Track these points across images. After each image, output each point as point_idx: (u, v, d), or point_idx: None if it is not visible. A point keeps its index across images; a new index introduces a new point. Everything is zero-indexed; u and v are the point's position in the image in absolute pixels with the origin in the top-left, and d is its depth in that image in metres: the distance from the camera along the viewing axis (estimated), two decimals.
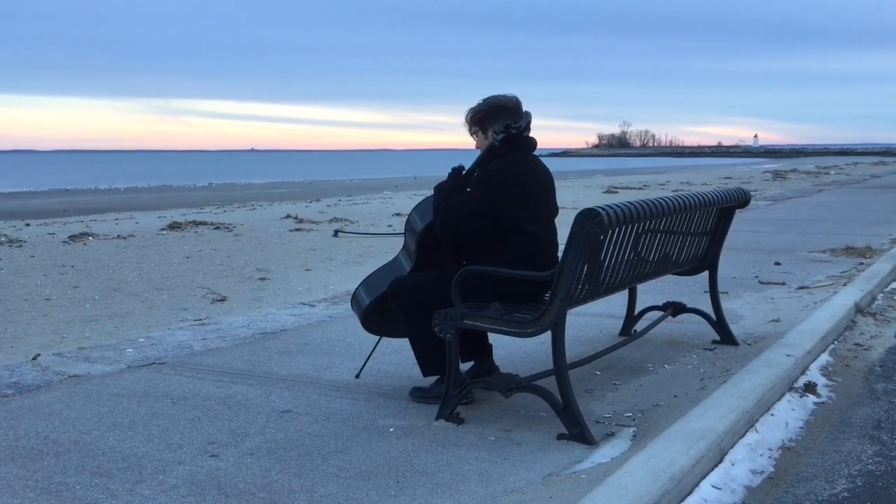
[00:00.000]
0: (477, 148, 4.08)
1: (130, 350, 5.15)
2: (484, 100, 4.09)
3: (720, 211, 5.01)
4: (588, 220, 3.44)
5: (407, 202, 19.62)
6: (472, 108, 4.09)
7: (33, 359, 4.93)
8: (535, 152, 4.08)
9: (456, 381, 3.74)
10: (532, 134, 4.04)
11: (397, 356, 4.72)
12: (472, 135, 4.11)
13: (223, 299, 7.20)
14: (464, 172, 4.00)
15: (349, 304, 4.59)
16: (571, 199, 18.02)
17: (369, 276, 4.27)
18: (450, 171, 4.04)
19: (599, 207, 3.51)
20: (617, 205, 3.67)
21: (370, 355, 4.50)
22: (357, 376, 4.42)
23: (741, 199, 5.08)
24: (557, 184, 4.28)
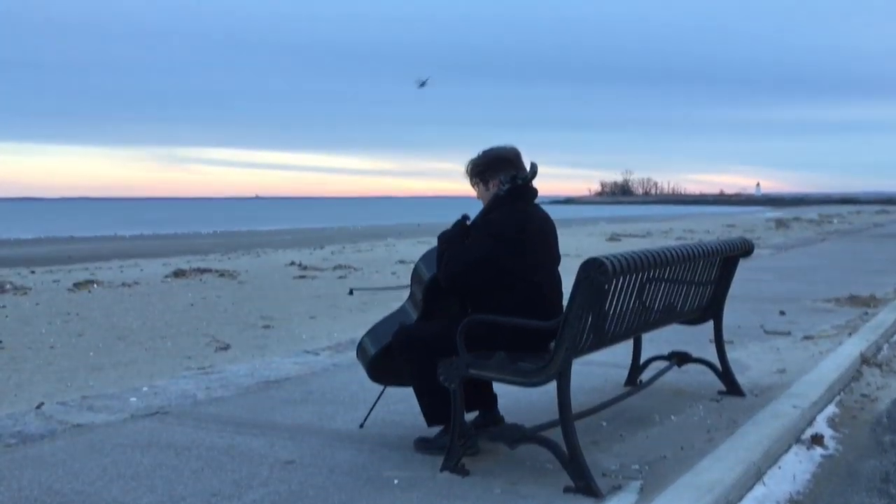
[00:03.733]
0: (479, 199, 4.13)
1: (134, 399, 5.14)
2: (483, 152, 4.15)
3: (724, 260, 5.02)
4: (592, 269, 3.46)
5: (411, 249, 19.68)
6: (472, 160, 4.15)
7: (37, 407, 4.92)
8: (538, 200, 4.12)
9: (461, 432, 3.72)
10: (535, 181, 4.08)
11: (401, 405, 4.71)
12: (473, 186, 4.16)
13: (227, 347, 7.19)
14: (468, 223, 4.04)
15: (353, 352, 4.59)
16: (575, 247, 18.06)
17: (375, 325, 4.28)
18: (455, 220, 4.08)
19: (603, 257, 3.53)
20: (621, 254, 3.69)
21: (374, 405, 4.48)
22: (361, 426, 4.40)
23: (745, 249, 5.10)
24: (560, 231, 4.30)
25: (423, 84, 10.85)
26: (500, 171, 4.01)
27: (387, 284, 11.86)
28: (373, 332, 4.23)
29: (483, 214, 4.00)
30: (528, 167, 4.04)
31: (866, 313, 8.39)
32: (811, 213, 54.64)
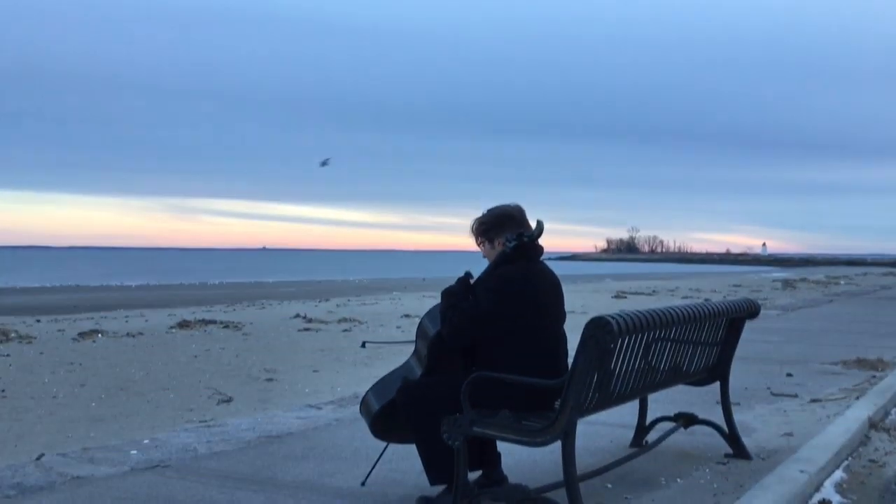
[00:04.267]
0: (485, 257, 4.15)
1: (134, 452, 5.10)
2: (489, 210, 4.18)
3: (730, 321, 5.01)
4: (598, 328, 3.45)
5: (416, 303, 19.66)
6: (477, 219, 4.18)
7: (37, 459, 4.88)
8: (544, 256, 4.14)
9: (464, 492, 3.67)
10: (541, 238, 4.10)
11: (404, 463, 4.66)
12: (478, 245, 4.19)
13: (229, 400, 7.15)
14: (472, 280, 4.05)
15: (356, 406, 4.56)
16: (580, 304, 18.01)
17: (379, 381, 4.26)
18: (459, 277, 4.10)
19: (609, 316, 3.53)
20: (627, 313, 3.69)
21: (377, 462, 4.43)
22: (363, 484, 4.35)
23: (751, 310, 5.09)
24: (566, 287, 4.30)
25: (324, 163, 11.04)
26: (505, 229, 4.03)
27: (392, 338, 11.82)
28: (377, 388, 4.22)
29: (488, 271, 4.01)
30: (533, 225, 4.07)
31: (874, 377, 8.31)
32: (818, 273, 54.53)
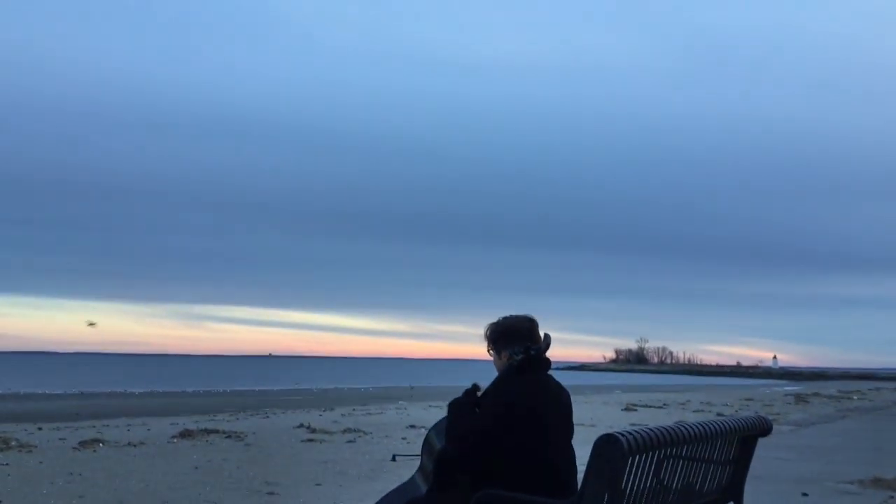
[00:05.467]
0: (494, 365, 4.12)
1: None
2: (499, 321, 4.17)
3: (742, 439, 4.91)
4: (608, 445, 3.39)
5: (422, 413, 19.37)
6: (490, 325, 4.17)
7: None
8: (553, 365, 4.10)
9: None
10: (549, 349, 4.08)
11: None
12: (488, 351, 4.17)
13: None
14: (479, 392, 4.01)
15: None
16: (590, 416, 17.73)
17: (382, 498, 4.16)
18: (466, 388, 4.06)
19: (619, 433, 3.47)
20: (637, 430, 3.62)
21: None
22: None
23: (763, 428, 4.99)
24: (575, 399, 4.24)
25: (91, 324, 11.13)
26: (512, 342, 4.02)
27: (396, 450, 11.59)
28: None
29: (495, 385, 3.98)
30: (542, 337, 4.05)
31: (892, 497, 8.08)
32: (830, 388, 53.74)
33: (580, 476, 3.55)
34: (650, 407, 25.13)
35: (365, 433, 14.48)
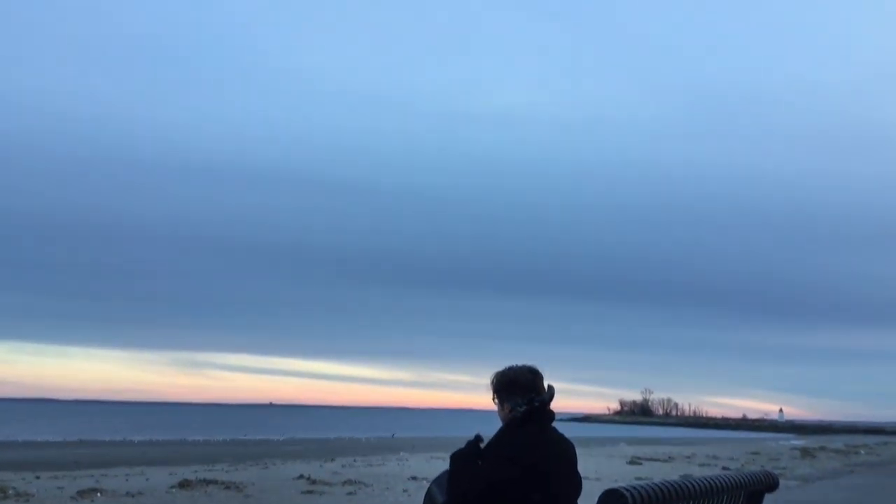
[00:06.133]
0: (499, 415, 4.08)
1: None
2: (503, 372, 4.13)
3: (749, 494, 4.83)
4: (613, 501, 3.34)
5: (424, 465, 19.14)
6: (496, 374, 4.13)
7: None
8: (557, 417, 4.04)
9: None
10: (553, 400, 4.04)
11: None
12: (492, 400, 4.13)
13: None
14: (482, 444, 3.96)
15: None
16: (594, 469, 17.50)
17: None
18: (468, 440, 4.00)
19: (624, 488, 3.42)
20: (642, 486, 3.57)
21: None
22: None
23: (769, 483, 4.92)
24: (580, 451, 4.18)
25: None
26: (515, 394, 3.98)
27: (397, 503, 11.43)
28: None
29: (497, 437, 3.93)
30: (546, 388, 4.01)
31: None
32: (837, 441, 53.09)
33: None
34: (655, 460, 24.81)
35: (366, 485, 14.30)
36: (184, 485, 13.27)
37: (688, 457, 27.45)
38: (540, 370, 4.14)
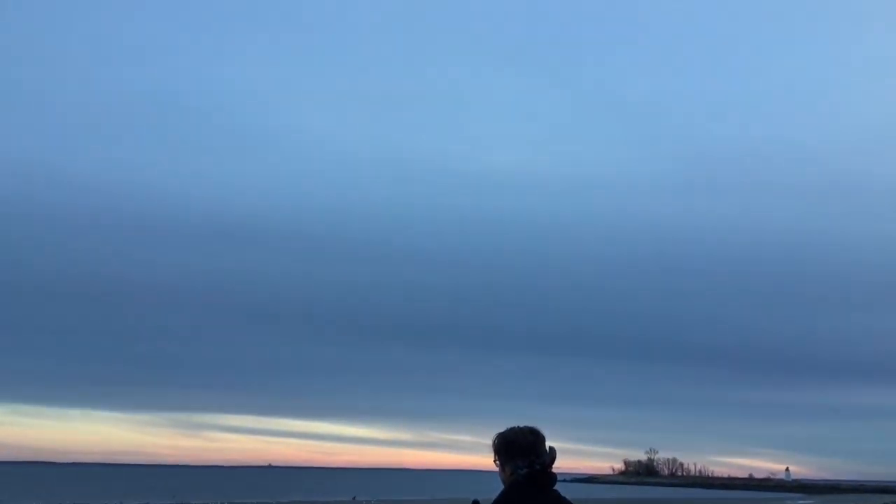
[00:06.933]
0: (500, 477, 4.06)
1: None
2: (510, 429, 4.09)
3: None
4: None
5: None
6: (497, 435, 4.12)
7: None
8: (560, 478, 4.02)
9: None
10: (555, 462, 4.01)
11: None
12: (494, 462, 4.11)
13: None
14: None
15: None
16: None
17: None
18: None
19: None
20: None
21: None
22: None
23: None
24: None
25: None
26: (515, 457, 3.96)
27: None
28: None
29: (499, 500, 3.90)
30: (548, 450, 3.99)
31: None
32: (846, 501, 52.20)
33: None
34: None
35: None
36: None
37: None
38: (541, 431, 4.10)
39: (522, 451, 3.97)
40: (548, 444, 4.06)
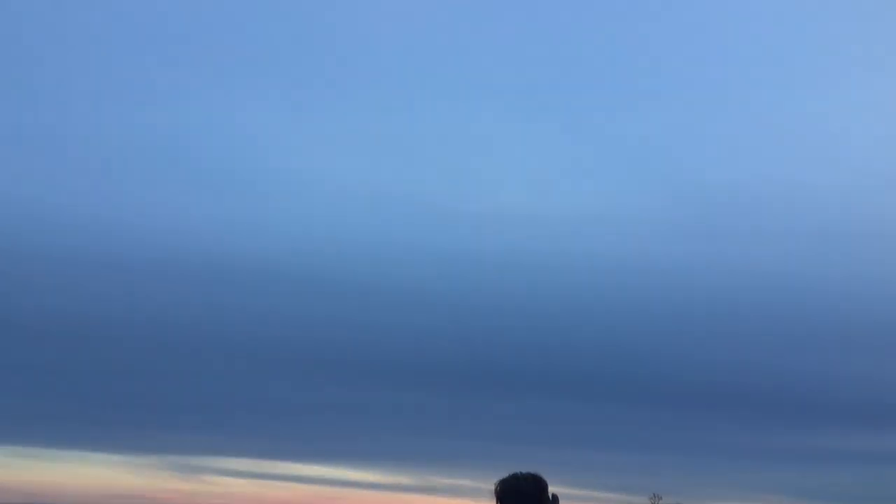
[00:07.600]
0: None
1: None
2: (511, 476, 3.93)
3: None
4: None
5: None
6: (498, 482, 3.93)
7: None
8: None
9: None
10: (560, 503, 3.85)
11: None
12: None
13: None
14: None
15: None
16: None
17: None
18: None
19: None
20: None
21: None
22: None
23: None
24: None
25: None
26: None
27: None
28: None
29: None
30: (550, 498, 3.85)
31: None
32: None
33: None
34: None
35: None
36: None
37: None
38: (544, 477, 3.98)
39: (525, 499, 3.80)
40: (550, 490, 3.92)
